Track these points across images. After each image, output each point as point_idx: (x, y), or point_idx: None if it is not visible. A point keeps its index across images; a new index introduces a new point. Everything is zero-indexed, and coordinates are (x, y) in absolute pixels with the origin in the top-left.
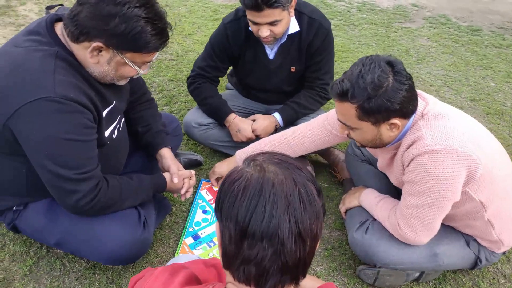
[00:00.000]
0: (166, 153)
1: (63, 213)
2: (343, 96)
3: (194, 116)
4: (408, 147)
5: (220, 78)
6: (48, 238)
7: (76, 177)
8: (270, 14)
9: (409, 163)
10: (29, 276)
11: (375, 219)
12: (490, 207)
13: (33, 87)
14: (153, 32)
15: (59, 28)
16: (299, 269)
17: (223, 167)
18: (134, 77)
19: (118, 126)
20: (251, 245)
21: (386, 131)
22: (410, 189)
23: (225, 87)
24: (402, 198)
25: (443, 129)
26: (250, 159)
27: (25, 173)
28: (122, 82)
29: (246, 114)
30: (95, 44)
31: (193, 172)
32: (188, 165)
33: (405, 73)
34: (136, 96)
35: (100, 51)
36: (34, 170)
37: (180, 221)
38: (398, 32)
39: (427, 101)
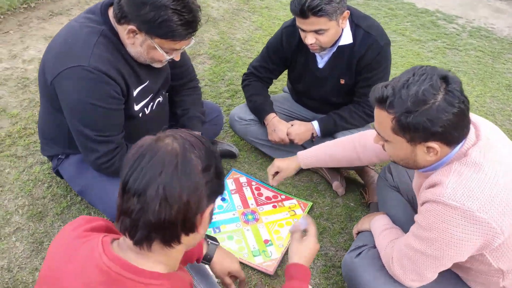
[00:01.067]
0: None
1: (89, 168)
2: (381, 102)
3: (239, 111)
4: (429, 187)
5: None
6: (75, 185)
7: (97, 138)
8: (316, 22)
9: (422, 204)
10: (59, 216)
11: (374, 247)
12: (510, 276)
13: (74, 56)
14: (179, 23)
15: (111, 10)
16: (167, 231)
17: (283, 163)
18: (164, 62)
19: (151, 104)
20: (127, 199)
21: (422, 154)
22: (415, 230)
23: (282, 89)
24: (406, 234)
25: (471, 185)
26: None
27: (67, 128)
28: (157, 65)
29: (291, 118)
30: (130, 27)
31: None
32: (222, 155)
33: (459, 94)
34: (181, 82)
35: (136, 33)
36: None
37: None
38: (506, 64)
39: (479, 138)
